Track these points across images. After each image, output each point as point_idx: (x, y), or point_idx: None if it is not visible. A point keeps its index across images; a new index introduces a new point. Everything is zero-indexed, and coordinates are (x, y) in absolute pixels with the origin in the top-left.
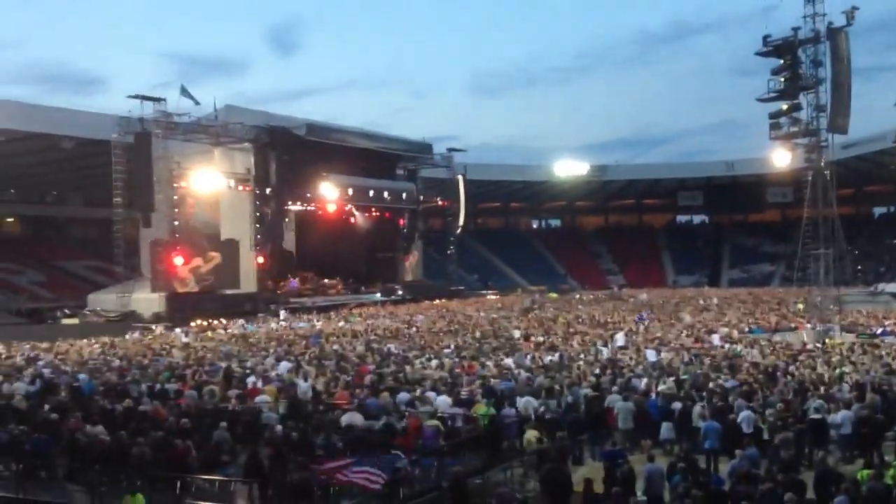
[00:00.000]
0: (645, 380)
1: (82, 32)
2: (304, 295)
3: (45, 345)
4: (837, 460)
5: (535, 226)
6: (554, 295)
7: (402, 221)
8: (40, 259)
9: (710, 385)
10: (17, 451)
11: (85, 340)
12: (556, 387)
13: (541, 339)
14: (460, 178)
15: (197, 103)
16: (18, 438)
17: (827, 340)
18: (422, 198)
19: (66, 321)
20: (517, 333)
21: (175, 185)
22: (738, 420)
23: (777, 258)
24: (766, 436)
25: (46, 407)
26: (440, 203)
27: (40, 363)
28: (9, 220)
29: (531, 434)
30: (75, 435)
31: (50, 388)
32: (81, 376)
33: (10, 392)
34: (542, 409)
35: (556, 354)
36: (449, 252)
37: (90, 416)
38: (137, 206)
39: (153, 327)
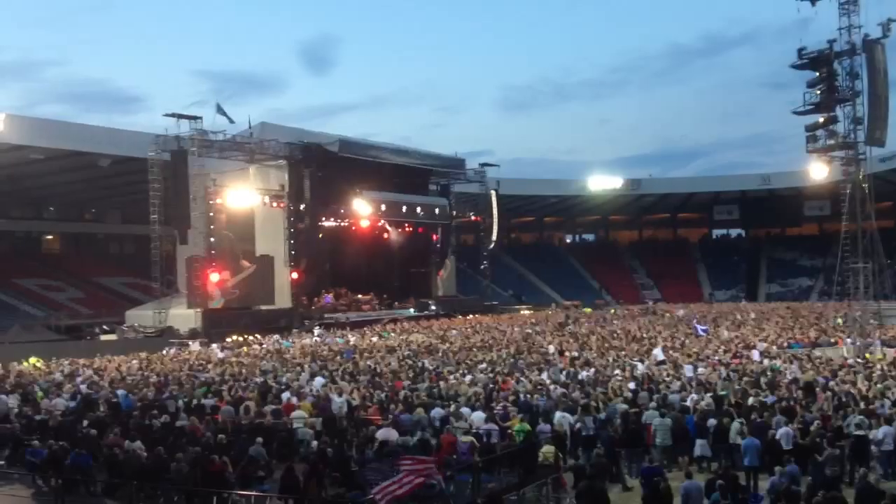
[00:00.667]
0: (682, 395)
1: (120, 52)
2: (339, 310)
3: (83, 361)
4: (879, 477)
5: (568, 240)
6: (588, 310)
7: (434, 237)
8: (79, 276)
9: (750, 401)
10: (57, 466)
11: (123, 356)
12: (592, 403)
13: (575, 354)
14: (493, 192)
15: (231, 121)
16: (58, 454)
17: (867, 355)
18: (454, 213)
19: (104, 337)
20: (552, 349)
21: (211, 201)
22: (778, 436)
23: (815, 272)
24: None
25: (86, 423)
26: (473, 218)
27: (79, 379)
28: (49, 237)
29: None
30: (114, 450)
31: (89, 404)
32: (120, 392)
33: (51, 408)
34: (577, 425)
35: (592, 370)
36: (482, 267)
37: (128, 431)
38: (174, 223)
39: (189, 343)
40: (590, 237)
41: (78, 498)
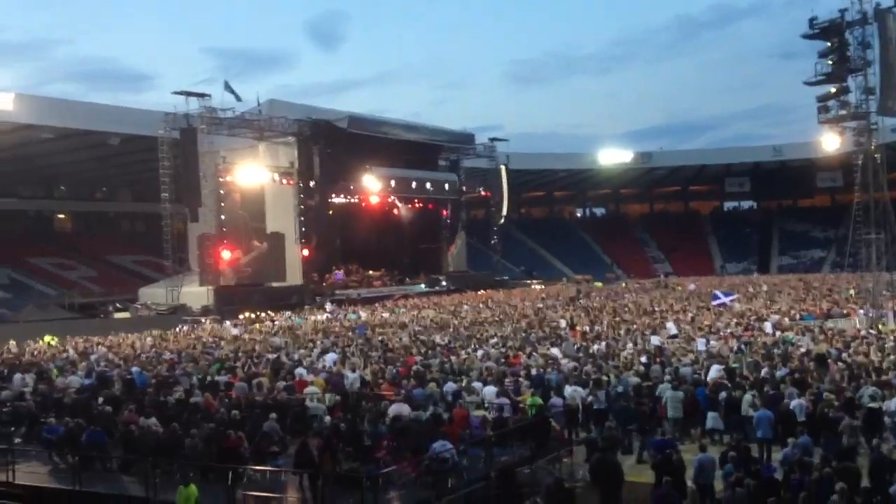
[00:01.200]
0: (694, 368)
1: (128, 30)
2: (350, 287)
3: (97, 339)
4: (892, 448)
5: (579, 214)
6: (599, 284)
7: (444, 212)
8: (92, 254)
9: (762, 373)
10: (74, 443)
11: (136, 334)
12: (604, 377)
13: (587, 328)
14: (503, 167)
15: (239, 99)
16: (74, 431)
17: (880, 326)
18: (464, 188)
19: (117, 315)
20: (563, 323)
21: (221, 179)
22: (791, 407)
23: (827, 244)
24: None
25: (101, 400)
26: (483, 193)
27: (94, 357)
28: (60, 216)
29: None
30: (129, 427)
31: (104, 382)
32: (134, 369)
33: (66, 385)
34: (589, 398)
35: (603, 343)
36: (493, 242)
37: (143, 408)
38: (184, 201)
39: (202, 320)
40: (600, 211)
41: (94, 474)
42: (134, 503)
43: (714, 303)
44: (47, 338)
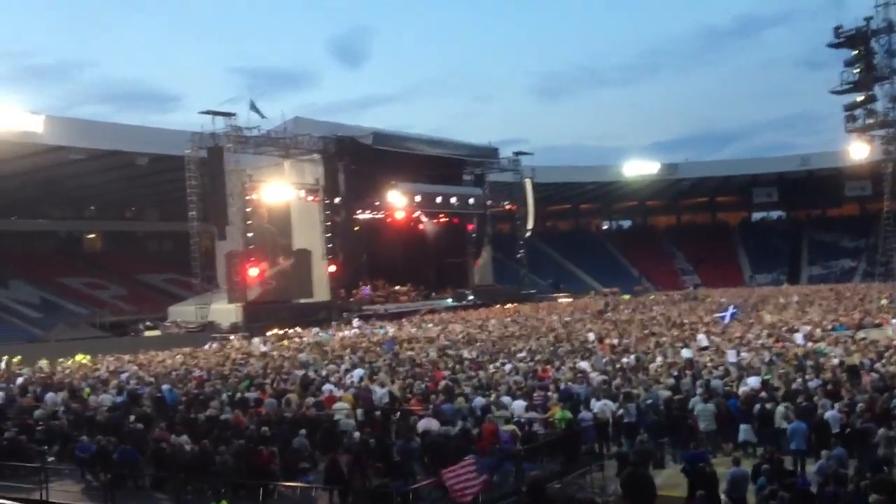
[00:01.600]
0: (725, 381)
1: (154, 51)
2: (377, 302)
3: (128, 357)
4: None
5: (605, 227)
6: (627, 297)
7: (470, 226)
8: (121, 273)
9: (794, 385)
10: (106, 461)
11: (167, 352)
12: (634, 390)
13: (615, 341)
14: (528, 181)
15: (264, 117)
16: (106, 449)
17: None
18: (489, 202)
19: (147, 333)
20: (591, 336)
21: (247, 197)
22: (826, 418)
23: (858, 253)
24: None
25: (132, 418)
26: (508, 207)
27: (124, 375)
28: (90, 236)
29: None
30: (161, 444)
31: (135, 399)
32: (164, 387)
33: (98, 403)
34: (619, 412)
35: (632, 356)
36: (519, 256)
37: (174, 425)
38: (212, 219)
39: (231, 337)
40: (627, 223)
41: (127, 492)
42: None
43: (722, 323)
44: (79, 356)
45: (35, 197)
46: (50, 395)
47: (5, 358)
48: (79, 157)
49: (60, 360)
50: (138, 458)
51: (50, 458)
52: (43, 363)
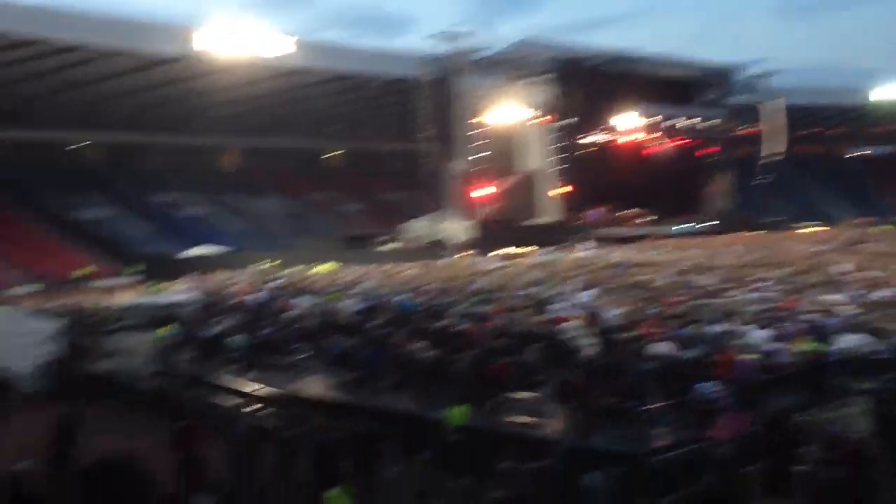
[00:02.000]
0: None
1: None
2: (607, 225)
3: (367, 268)
4: None
5: (857, 154)
6: (884, 228)
7: (709, 150)
8: (358, 190)
9: None
10: (350, 362)
11: (404, 265)
12: (888, 325)
13: (868, 274)
14: (772, 103)
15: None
16: (352, 350)
17: None
18: (730, 125)
19: (384, 248)
20: (841, 268)
21: (476, 119)
22: None
23: None
24: None
25: (373, 324)
26: (751, 130)
27: (367, 284)
28: (329, 154)
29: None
30: (400, 350)
31: (376, 308)
32: (403, 296)
33: (343, 308)
34: (871, 347)
35: (887, 290)
36: (761, 181)
37: (412, 333)
38: (441, 141)
39: (462, 254)
40: (882, 150)
41: (370, 391)
42: (409, 418)
43: None
44: (328, 265)
45: (280, 117)
46: (301, 299)
47: (267, 263)
48: (323, 79)
49: (309, 266)
50: (380, 361)
51: (301, 356)
52: (295, 269)
